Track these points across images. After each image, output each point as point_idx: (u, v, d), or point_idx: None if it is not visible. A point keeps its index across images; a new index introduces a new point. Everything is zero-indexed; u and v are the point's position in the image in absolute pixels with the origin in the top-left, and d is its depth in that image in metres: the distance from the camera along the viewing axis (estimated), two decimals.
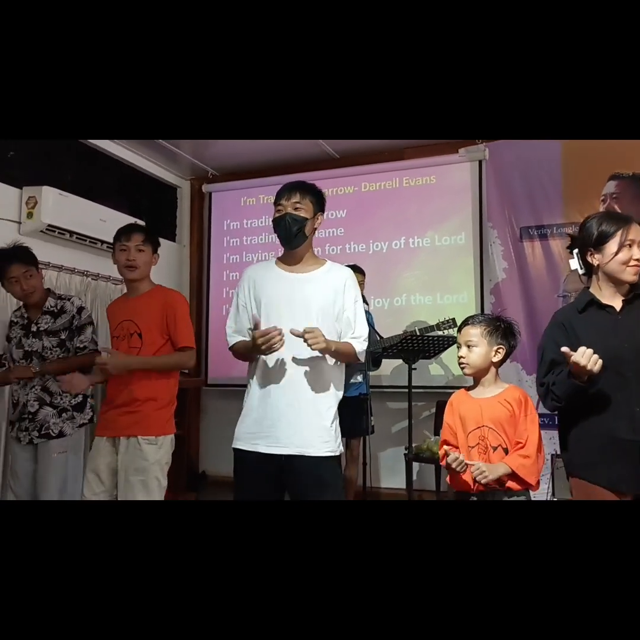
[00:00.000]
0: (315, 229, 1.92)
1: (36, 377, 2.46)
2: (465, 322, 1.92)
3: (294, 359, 1.81)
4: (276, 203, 1.87)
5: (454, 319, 3.54)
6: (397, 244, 4.46)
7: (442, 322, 3.56)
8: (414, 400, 3.42)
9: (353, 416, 3.13)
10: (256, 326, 1.77)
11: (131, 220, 4.27)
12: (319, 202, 1.90)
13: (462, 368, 1.88)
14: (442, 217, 4.35)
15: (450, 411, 1.92)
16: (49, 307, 2.56)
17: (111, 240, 3.96)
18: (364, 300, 3.45)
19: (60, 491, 2.42)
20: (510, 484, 1.77)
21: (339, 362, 1.88)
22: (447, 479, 1.93)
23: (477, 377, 1.89)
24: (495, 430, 1.81)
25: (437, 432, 3.94)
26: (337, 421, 1.88)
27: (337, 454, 1.85)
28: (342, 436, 1.93)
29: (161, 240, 4.71)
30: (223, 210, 5.05)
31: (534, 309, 4.06)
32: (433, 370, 4.17)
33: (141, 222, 4.37)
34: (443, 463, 1.86)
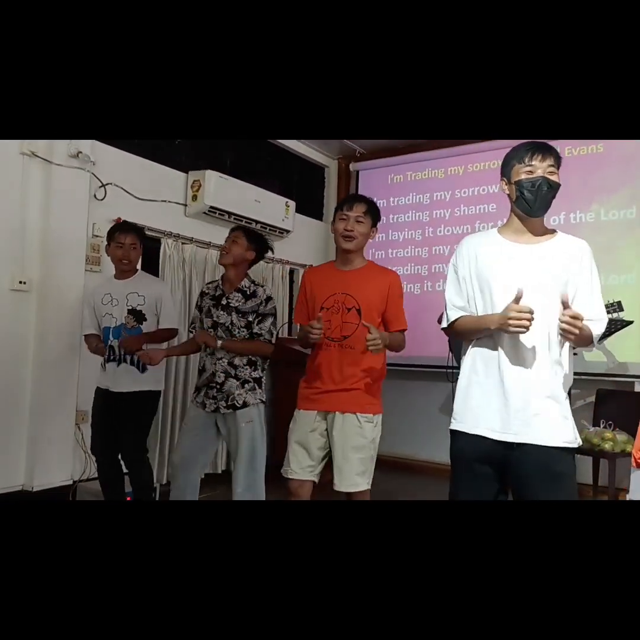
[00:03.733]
0: None
1: (219, 349, 2.55)
2: None
3: (526, 340, 1.62)
4: (519, 162, 1.65)
5: (619, 302, 3.23)
6: (555, 220, 4.15)
7: (607, 305, 3.26)
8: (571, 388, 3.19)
9: None
10: (517, 299, 1.56)
11: (282, 200, 4.45)
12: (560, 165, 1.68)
13: None
14: (610, 189, 3.97)
15: None
16: (243, 286, 2.61)
17: (265, 220, 4.22)
18: None
19: (251, 460, 2.49)
20: None
21: (572, 345, 1.67)
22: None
23: None
24: None
25: (596, 423, 3.66)
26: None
27: (576, 445, 1.64)
28: None
29: (309, 219, 4.95)
30: (370, 189, 5.04)
31: None
32: (589, 357, 3.85)
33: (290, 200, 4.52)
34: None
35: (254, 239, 2.65)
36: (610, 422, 3.49)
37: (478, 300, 1.70)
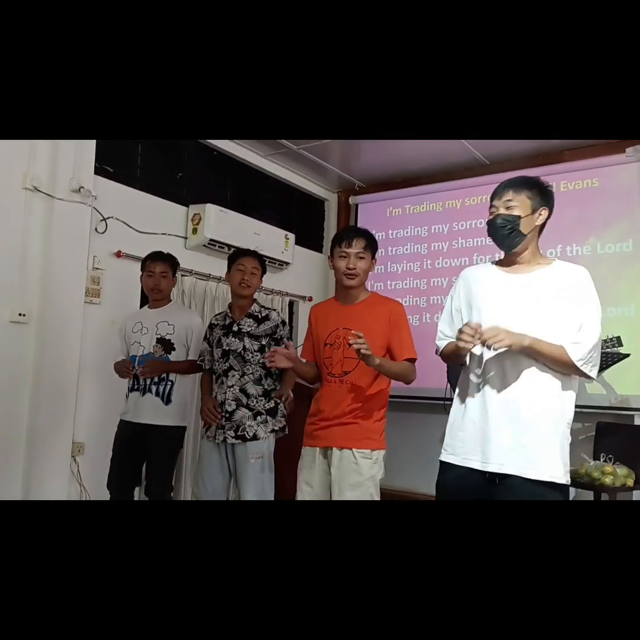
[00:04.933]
0: (539, 225, 1.71)
1: (239, 377, 2.54)
2: None
3: (510, 367, 1.64)
4: (490, 205, 1.73)
5: (619, 338, 3.23)
6: (552, 253, 4.18)
7: (605, 340, 3.25)
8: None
9: None
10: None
11: (281, 233, 4.49)
12: (541, 194, 1.69)
13: None
14: (606, 223, 4.01)
15: None
16: (254, 311, 2.63)
17: (264, 253, 4.21)
18: None
19: (260, 496, 2.45)
20: None
21: (557, 373, 1.65)
22: None
23: None
24: None
25: (596, 456, 3.62)
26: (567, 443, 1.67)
27: (564, 481, 1.60)
28: None
29: (309, 251, 5.00)
30: (369, 221, 5.09)
31: None
32: (591, 389, 3.83)
33: (290, 233, 4.57)
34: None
35: (263, 263, 2.73)
36: (610, 456, 3.46)
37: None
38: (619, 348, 3.21)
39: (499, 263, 1.80)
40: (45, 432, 3.09)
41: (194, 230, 3.88)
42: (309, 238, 5.16)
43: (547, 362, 1.62)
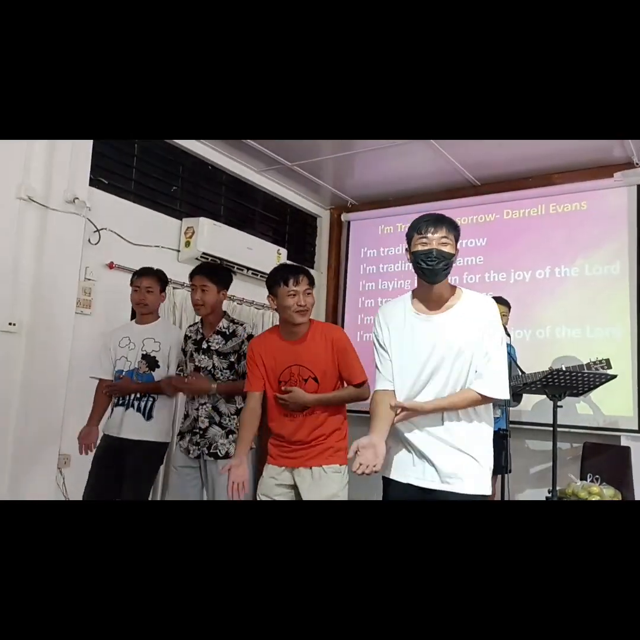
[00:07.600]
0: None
1: (210, 394, 2.53)
2: None
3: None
4: (417, 233, 1.80)
5: (608, 360, 3.27)
6: (541, 273, 4.25)
7: (594, 363, 3.29)
8: (558, 440, 3.19)
9: None
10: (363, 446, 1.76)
11: (273, 248, 4.52)
12: (457, 238, 1.83)
13: None
14: (594, 245, 4.07)
15: None
16: (222, 328, 2.62)
17: (256, 267, 4.28)
18: (506, 333, 3.30)
19: None
20: None
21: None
22: None
23: None
24: None
25: (583, 477, 3.64)
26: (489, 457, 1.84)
27: (487, 493, 1.79)
28: None
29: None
30: (361, 239, 5.15)
31: None
32: (581, 409, 3.87)
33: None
34: None
35: (220, 278, 2.64)
36: (597, 476, 3.48)
37: (392, 366, 1.87)
38: (607, 370, 3.25)
39: (415, 295, 1.89)
40: (32, 443, 3.06)
41: (187, 244, 3.89)
42: (301, 254, 5.19)
43: (466, 407, 1.79)
